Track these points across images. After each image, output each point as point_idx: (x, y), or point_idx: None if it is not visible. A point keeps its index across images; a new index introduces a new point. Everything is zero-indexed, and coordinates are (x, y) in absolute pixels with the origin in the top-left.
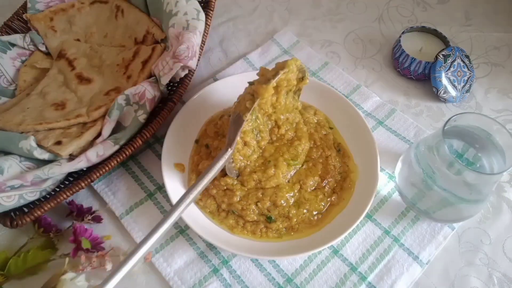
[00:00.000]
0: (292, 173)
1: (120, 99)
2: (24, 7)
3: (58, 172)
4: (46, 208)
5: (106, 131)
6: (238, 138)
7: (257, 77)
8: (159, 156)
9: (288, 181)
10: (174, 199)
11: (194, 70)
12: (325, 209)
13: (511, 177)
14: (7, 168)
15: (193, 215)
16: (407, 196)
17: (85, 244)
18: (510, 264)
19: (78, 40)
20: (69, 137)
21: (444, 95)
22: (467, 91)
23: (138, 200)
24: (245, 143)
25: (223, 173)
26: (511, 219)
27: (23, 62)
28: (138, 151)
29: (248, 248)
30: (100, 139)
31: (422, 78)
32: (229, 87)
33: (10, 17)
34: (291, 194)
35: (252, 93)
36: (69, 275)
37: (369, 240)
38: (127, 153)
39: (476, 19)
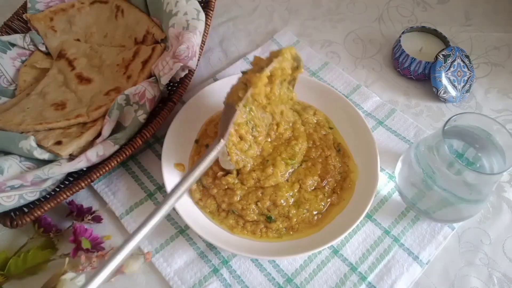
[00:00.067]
0: (290, 171)
1: (120, 99)
2: (24, 7)
3: (58, 172)
4: (46, 208)
5: (106, 131)
6: (231, 129)
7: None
8: (159, 156)
9: (288, 181)
10: None
11: (194, 70)
12: (325, 209)
13: (511, 177)
14: (7, 168)
15: (193, 215)
16: (407, 196)
17: (85, 244)
18: (510, 264)
19: (78, 40)
20: (69, 137)
21: (444, 95)
22: (467, 91)
23: (138, 200)
24: (241, 137)
25: (224, 172)
26: (511, 219)
27: (23, 62)
28: (138, 151)
29: (248, 248)
30: (100, 139)
31: (422, 78)
32: (229, 87)
33: (10, 17)
34: (291, 194)
35: (245, 82)
36: (69, 275)
37: (369, 240)
38: (127, 153)
39: (476, 19)
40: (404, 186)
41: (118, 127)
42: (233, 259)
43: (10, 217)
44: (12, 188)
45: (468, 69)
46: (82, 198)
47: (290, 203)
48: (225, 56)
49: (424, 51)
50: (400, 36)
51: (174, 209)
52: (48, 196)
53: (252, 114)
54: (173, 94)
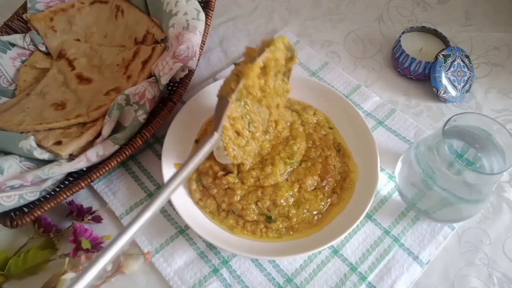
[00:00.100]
0: (289, 170)
1: (120, 99)
2: (24, 7)
3: (58, 172)
4: (46, 208)
5: (106, 131)
6: (224, 121)
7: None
8: (159, 156)
9: (287, 180)
10: (174, 199)
11: (194, 70)
12: (325, 209)
13: (511, 177)
14: (7, 168)
15: (193, 215)
16: (407, 196)
17: (85, 244)
18: (510, 264)
19: (78, 40)
20: (69, 137)
21: (444, 95)
22: (467, 91)
23: (138, 200)
24: (238, 133)
25: (225, 172)
26: (511, 219)
27: (23, 62)
28: (138, 151)
29: (248, 248)
30: (100, 139)
31: (422, 78)
32: None
33: (10, 17)
34: (291, 194)
35: (237, 74)
36: (69, 275)
37: (369, 240)
38: (127, 153)
39: (476, 19)
40: (404, 186)
41: (118, 127)
42: (233, 259)
43: (10, 217)
44: (12, 188)
45: (468, 69)
46: (82, 198)
47: (290, 203)
48: (225, 56)
49: (424, 51)
50: (400, 36)
51: (174, 209)
52: (48, 196)
53: (247, 108)
54: (173, 94)
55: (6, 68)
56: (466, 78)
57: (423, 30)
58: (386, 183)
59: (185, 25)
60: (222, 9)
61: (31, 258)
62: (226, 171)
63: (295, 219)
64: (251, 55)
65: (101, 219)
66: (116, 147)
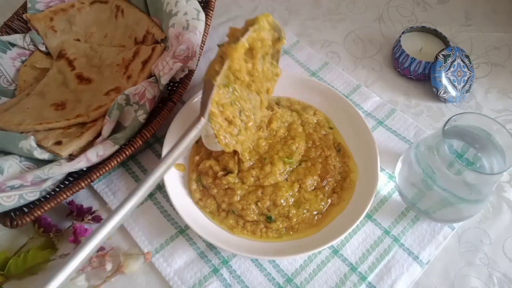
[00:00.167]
0: (288, 169)
1: (120, 99)
2: (24, 7)
3: (58, 172)
4: (46, 208)
5: (106, 131)
6: (210, 106)
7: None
8: (159, 156)
9: (287, 180)
10: (174, 199)
11: (194, 70)
12: (325, 209)
13: (511, 177)
14: (7, 168)
15: (193, 215)
16: (407, 196)
17: None
18: (510, 264)
19: (78, 40)
20: (69, 137)
21: (444, 95)
22: (467, 91)
23: None
24: (229, 121)
25: (225, 172)
26: (511, 219)
27: (23, 62)
28: (138, 151)
29: (248, 248)
30: (100, 139)
31: (422, 78)
32: None
33: (10, 17)
34: (291, 194)
35: (221, 55)
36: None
37: (369, 240)
38: (127, 153)
39: (476, 19)
40: (404, 186)
41: (118, 127)
42: (233, 259)
43: (10, 217)
44: (12, 188)
45: (468, 69)
46: (82, 198)
47: (290, 203)
48: None
49: (424, 51)
50: (400, 36)
51: (174, 209)
52: (48, 196)
53: (236, 94)
54: (173, 94)
55: (6, 68)
56: (466, 78)
57: (423, 30)
58: (386, 183)
59: (185, 25)
60: (222, 9)
61: (31, 258)
62: (226, 171)
63: (295, 219)
64: (234, 35)
65: (101, 219)
66: (116, 147)
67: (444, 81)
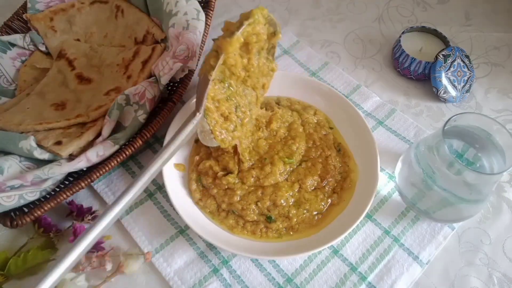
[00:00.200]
0: (289, 169)
1: (120, 99)
2: (24, 7)
3: (58, 172)
4: (46, 208)
5: (106, 131)
6: (205, 101)
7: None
8: None
9: (287, 180)
10: (174, 199)
11: (194, 70)
12: (325, 209)
13: (511, 177)
14: (7, 168)
15: (193, 215)
16: (407, 196)
17: None
18: (510, 264)
19: (78, 40)
20: (69, 137)
21: (444, 95)
22: (467, 91)
23: (138, 200)
24: (225, 117)
25: (225, 172)
26: (511, 219)
27: (23, 62)
28: (138, 151)
29: (248, 248)
30: (100, 139)
31: (422, 78)
32: None
33: (10, 17)
34: (291, 194)
35: (216, 50)
36: (69, 275)
37: (369, 240)
38: (127, 153)
39: (476, 19)
40: (404, 186)
41: (118, 127)
42: (233, 259)
43: (10, 217)
44: (12, 188)
45: (468, 69)
46: (82, 198)
47: (290, 203)
48: None
49: (424, 51)
50: (400, 36)
51: (174, 209)
52: (48, 196)
53: (232, 89)
54: (173, 94)
55: (6, 68)
56: (466, 78)
57: (423, 30)
58: (386, 183)
59: (185, 25)
60: (222, 9)
61: (31, 258)
62: (226, 171)
63: (295, 219)
64: (229, 29)
65: None
66: (116, 147)
67: (444, 81)
